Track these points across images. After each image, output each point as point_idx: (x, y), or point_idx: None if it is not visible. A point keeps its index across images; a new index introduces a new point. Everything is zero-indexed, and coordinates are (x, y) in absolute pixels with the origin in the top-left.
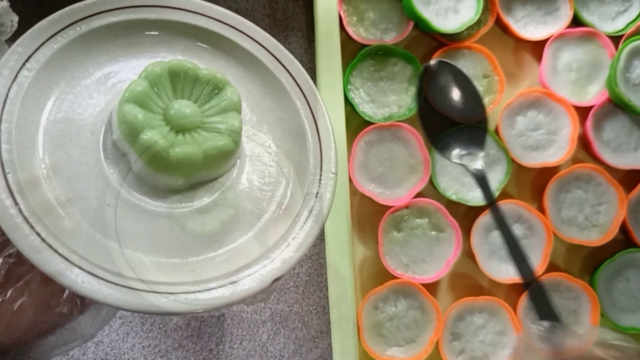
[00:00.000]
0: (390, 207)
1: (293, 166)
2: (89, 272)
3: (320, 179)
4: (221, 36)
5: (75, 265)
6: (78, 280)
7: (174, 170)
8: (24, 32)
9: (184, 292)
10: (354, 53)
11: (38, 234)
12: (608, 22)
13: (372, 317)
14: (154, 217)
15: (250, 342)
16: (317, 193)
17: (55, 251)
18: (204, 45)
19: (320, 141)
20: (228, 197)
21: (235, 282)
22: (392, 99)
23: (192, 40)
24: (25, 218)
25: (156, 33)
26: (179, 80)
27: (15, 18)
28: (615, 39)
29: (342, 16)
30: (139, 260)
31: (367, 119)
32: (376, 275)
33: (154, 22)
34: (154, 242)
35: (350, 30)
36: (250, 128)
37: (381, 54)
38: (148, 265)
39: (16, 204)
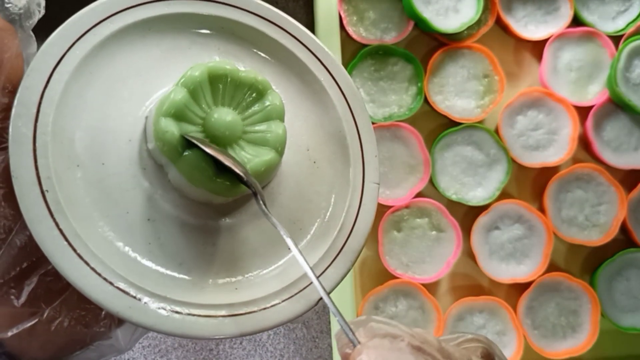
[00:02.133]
0: (391, 207)
1: (334, 175)
2: (125, 293)
3: (362, 190)
4: (258, 31)
5: (113, 285)
6: (113, 300)
7: (217, 190)
8: (51, 20)
9: (224, 316)
10: (354, 53)
11: (81, 257)
12: (608, 22)
13: None
14: (195, 232)
15: (250, 342)
16: (360, 204)
17: (98, 274)
18: (239, 42)
19: (362, 146)
20: (269, 209)
21: (281, 302)
22: (392, 98)
23: (225, 36)
24: (67, 240)
25: (204, 30)
26: (219, 85)
27: (42, 2)
28: (616, 39)
29: (342, 16)
30: (181, 280)
31: None
32: (376, 275)
33: (183, 16)
34: (196, 260)
35: (350, 29)
36: (289, 132)
37: (381, 53)
38: (190, 286)
39: (57, 225)
